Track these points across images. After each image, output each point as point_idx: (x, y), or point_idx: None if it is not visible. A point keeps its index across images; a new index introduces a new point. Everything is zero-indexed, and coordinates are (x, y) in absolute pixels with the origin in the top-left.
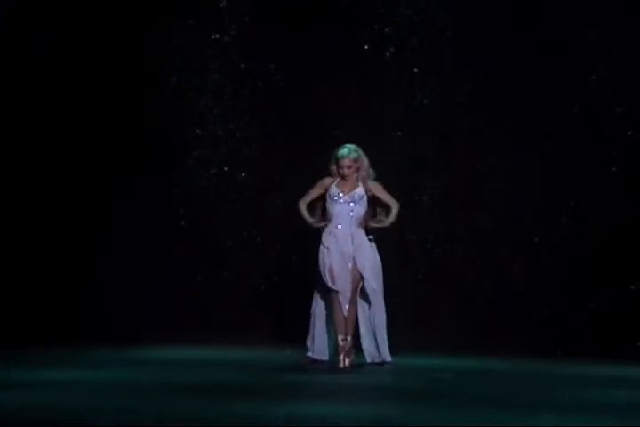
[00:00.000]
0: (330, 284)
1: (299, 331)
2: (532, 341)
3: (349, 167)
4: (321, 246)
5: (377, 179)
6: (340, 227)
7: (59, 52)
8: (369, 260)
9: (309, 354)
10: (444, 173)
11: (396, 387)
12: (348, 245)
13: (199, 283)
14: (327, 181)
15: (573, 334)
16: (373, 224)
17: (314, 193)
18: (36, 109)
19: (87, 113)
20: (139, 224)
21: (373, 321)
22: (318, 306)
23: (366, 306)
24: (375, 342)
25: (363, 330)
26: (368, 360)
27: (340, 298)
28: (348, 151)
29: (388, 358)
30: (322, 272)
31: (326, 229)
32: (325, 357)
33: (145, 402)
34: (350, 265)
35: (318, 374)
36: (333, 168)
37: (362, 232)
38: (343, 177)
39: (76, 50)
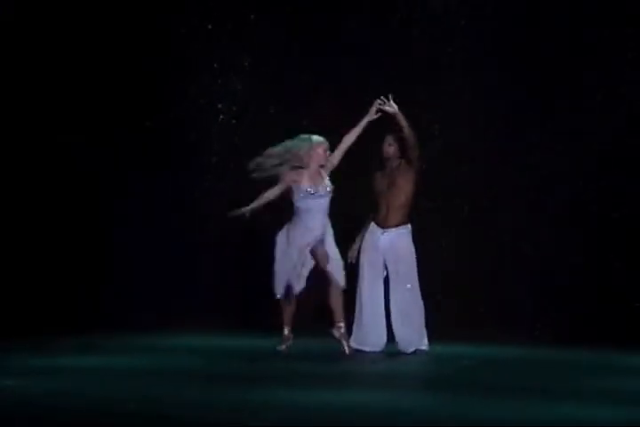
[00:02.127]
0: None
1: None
2: (553, 328)
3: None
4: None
5: None
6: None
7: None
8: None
9: (352, 343)
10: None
11: (413, 375)
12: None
13: (214, 271)
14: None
15: (596, 322)
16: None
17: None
18: (48, 110)
19: (99, 113)
20: (154, 217)
21: (401, 309)
22: (364, 296)
23: (398, 295)
24: (405, 331)
25: (392, 318)
26: (400, 348)
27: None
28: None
29: (420, 347)
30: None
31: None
32: (370, 347)
33: (161, 389)
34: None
35: (333, 362)
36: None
37: None
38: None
39: (92, 55)
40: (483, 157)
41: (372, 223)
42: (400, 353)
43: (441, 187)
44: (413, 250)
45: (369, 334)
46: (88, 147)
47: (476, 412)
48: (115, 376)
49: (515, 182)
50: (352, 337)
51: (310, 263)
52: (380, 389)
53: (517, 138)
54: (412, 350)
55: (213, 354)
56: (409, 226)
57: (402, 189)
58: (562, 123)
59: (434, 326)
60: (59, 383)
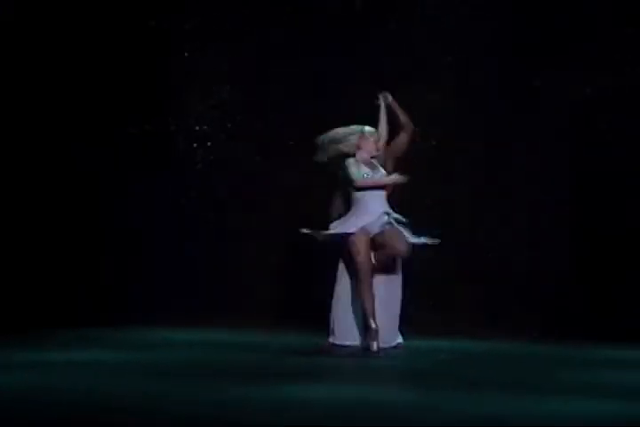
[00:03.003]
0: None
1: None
2: (538, 323)
3: None
4: None
5: None
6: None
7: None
8: None
9: (332, 339)
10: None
11: (398, 369)
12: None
13: (210, 267)
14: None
15: (580, 316)
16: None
17: None
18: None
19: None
20: (150, 211)
21: (390, 299)
22: (344, 291)
23: (380, 288)
24: (386, 324)
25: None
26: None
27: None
28: None
29: (399, 340)
30: None
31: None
32: (350, 341)
33: (156, 384)
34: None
35: (323, 358)
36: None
37: None
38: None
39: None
40: (476, 160)
41: None
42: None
43: (431, 187)
44: None
45: (350, 329)
46: (88, 147)
47: (461, 407)
48: (110, 371)
49: (505, 183)
50: (332, 333)
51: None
52: (366, 384)
53: (513, 139)
54: (393, 344)
55: (209, 350)
56: None
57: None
58: (554, 125)
59: (419, 321)
60: (54, 378)
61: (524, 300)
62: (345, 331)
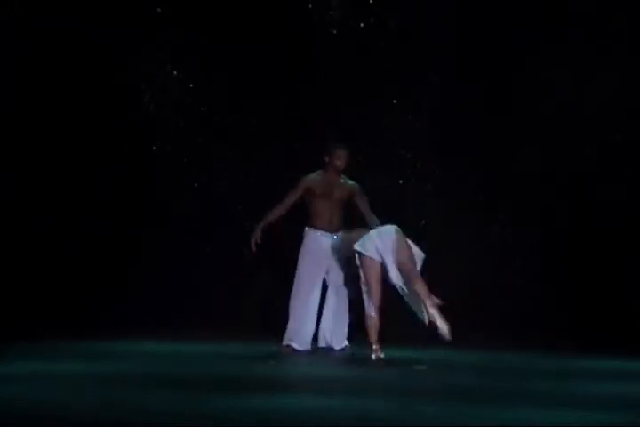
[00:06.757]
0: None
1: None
2: (517, 333)
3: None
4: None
5: None
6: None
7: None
8: None
9: (292, 344)
10: None
11: (370, 379)
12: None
13: (183, 277)
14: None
15: (558, 326)
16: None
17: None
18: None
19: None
20: (132, 221)
21: (341, 306)
22: (301, 295)
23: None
24: (337, 328)
25: (329, 315)
26: (324, 345)
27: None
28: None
29: (346, 343)
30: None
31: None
32: (308, 346)
33: (128, 396)
34: None
35: (295, 366)
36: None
37: None
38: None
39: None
40: (457, 175)
41: (313, 229)
42: (331, 349)
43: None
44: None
45: (301, 332)
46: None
47: (434, 418)
48: (79, 383)
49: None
50: (287, 335)
51: None
52: (336, 393)
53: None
54: (342, 346)
55: (175, 360)
56: None
57: (350, 196)
58: (534, 143)
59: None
60: (23, 390)
61: (498, 310)
62: (297, 334)
